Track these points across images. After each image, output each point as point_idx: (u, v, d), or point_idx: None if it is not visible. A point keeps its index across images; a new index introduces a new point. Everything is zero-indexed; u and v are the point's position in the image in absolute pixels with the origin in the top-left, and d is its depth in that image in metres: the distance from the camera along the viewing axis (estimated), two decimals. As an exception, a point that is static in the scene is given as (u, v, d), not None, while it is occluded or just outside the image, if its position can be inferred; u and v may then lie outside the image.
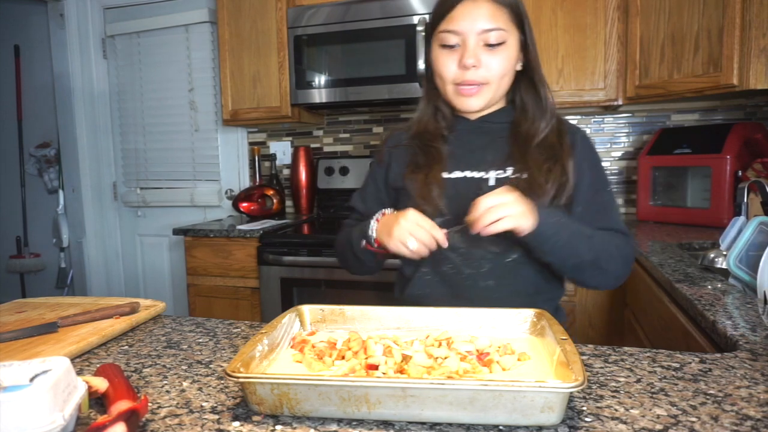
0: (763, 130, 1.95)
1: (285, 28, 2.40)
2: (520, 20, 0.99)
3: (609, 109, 2.28)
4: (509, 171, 1.01)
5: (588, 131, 2.44)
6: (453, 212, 1.00)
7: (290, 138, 2.87)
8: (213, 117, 2.94)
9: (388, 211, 1.00)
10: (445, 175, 1.03)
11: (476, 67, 0.97)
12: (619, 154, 2.43)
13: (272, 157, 2.83)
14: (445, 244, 0.91)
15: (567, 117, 2.44)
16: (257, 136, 2.94)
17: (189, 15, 2.88)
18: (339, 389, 0.55)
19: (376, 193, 1.16)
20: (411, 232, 0.89)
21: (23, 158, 3.32)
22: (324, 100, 2.36)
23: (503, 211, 0.85)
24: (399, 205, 1.06)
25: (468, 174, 1.03)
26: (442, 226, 0.94)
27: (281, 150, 2.87)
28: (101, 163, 3.20)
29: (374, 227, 0.98)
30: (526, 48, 1.02)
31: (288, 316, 0.78)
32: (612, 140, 2.44)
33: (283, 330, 0.75)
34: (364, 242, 1.01)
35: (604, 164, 2.41)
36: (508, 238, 0.93)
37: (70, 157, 3.16)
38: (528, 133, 1.02)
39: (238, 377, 0.56)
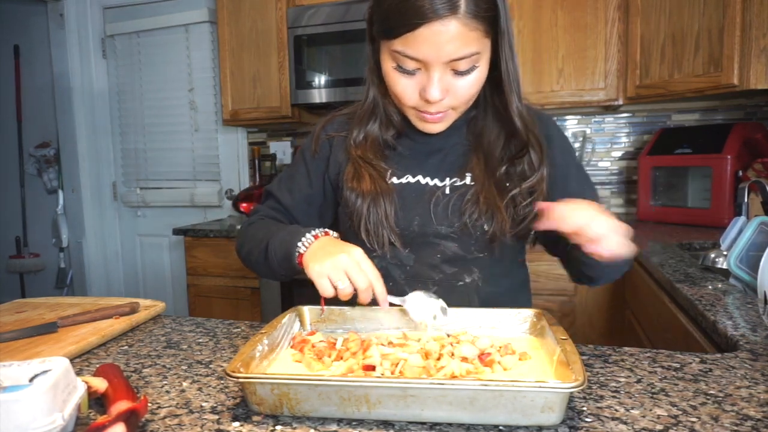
0: (764, 130, 1.95)
1: (285, 28, 2.40)
2: (496, 26, 0.78)
3: (609, 109, 2.28)
4: (467, 178, 0.90)
5: (588, 131, 2.44)
6: (400, 225, 0.89)
7: (290, 138, 2.87)
8: (213, 117, 2.94)
9: (332, 233, 0.84)
10: (395, 180, 0.92)
11: (441, 100, 0.81)
12: (619, 154, 2.43)
13: (272, 157, 2.83)
14: (383, 305, 0.77)
15: (567, 117, 2.46)
16: (257, 136, 2.94)
17: (189, 15, 2.88)
18: (339, 389, 0.55)
19: (307, 188, 0.99)
20: (347, 272, 0.74)
21: (23, 158, 3.32)
22: (324, 100, 2.36)
23: (619, 239, 0.70)
24: (337, 220, 0.97)
25: (421, 179, 0.92)
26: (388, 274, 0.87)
27: (281, 150, 2.87)
28: (101, 163, 3.20)
29: (308, 242, 0.81)
30: (498, 54, 0.82)
31: (288, 316, 0.78)
32: (612, 140, 2.44)
33: (283, 330, 0.75)
34: (284, 252, 0.83)
35: (604, 164, 2.45)
36: (461, 258, 0.89)
37: (69, 157, 3.16)
38: (490, 143, 0.91)
39: (238, 377, 0.56)
